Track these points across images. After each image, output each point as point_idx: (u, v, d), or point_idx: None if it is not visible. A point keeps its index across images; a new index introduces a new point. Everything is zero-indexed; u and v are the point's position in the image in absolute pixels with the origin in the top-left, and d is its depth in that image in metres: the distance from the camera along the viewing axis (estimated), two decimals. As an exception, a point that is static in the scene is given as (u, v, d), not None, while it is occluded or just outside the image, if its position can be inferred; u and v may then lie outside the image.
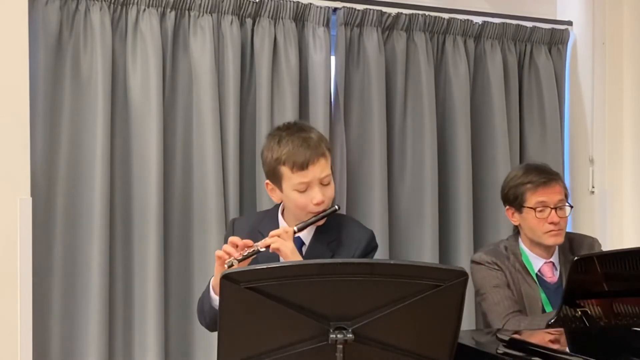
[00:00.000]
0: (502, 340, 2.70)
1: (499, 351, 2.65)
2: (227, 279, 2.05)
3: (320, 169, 2.68)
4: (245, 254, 2.58)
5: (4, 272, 3.19)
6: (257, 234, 2.73)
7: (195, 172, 3.57)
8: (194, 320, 3.56)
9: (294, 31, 3.72)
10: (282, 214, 2.83)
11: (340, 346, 2.09)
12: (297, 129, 2.77)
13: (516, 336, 2.77)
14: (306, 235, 2.77)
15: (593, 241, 3.35)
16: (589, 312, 2.90)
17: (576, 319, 2.89)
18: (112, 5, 3.45)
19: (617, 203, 4.33)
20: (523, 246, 3.26)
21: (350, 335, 2.09)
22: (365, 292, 2.11)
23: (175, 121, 3.59)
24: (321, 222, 2.75)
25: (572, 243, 3.32)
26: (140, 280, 3.46)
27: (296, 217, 2.73)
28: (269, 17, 3.67)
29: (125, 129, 3.50)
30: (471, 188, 4.04)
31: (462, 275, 2.14)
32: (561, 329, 2.89)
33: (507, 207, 3.25)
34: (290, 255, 2.61)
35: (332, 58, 3.81)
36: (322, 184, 2.70)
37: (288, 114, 3.66)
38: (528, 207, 3.17)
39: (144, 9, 3.49)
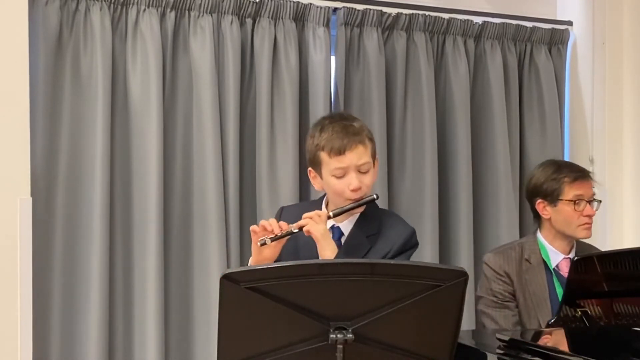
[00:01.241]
0: (502, 340, 2.70)
1: (499, 351, 2.65)
2: (227, 279, 2.05)
3: (357, 155, 2.70)
4: (280, 234, 2.60)
5: (4, 272, 3.19)
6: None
7: (195, 172, 3.57)
8: (194, 320, 3.57)
9: (294, 31, 3.72)
10: (327, 204, 2.84)
11: (340, 346, 2.09)
12: (339, 118, 2.82)
13: (516, 336, 2.77)
14: (346, 226, 2.78)
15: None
16: (589, 312, 2.90)
17: (576, 319, 2.89)
18: (112, 5, 3.45)
19: (617, 203, 4.33)
20: (543, 241, 3.31)
21: (350, 335, 2.10)
22: (365, 292, 2.11)
23: (175, 121, 3.59)
24: (359, 211, 2.76)
25: (584, 245, 3.41)
26: (140, 280, 3.46)
27: (336, 205, 2.75)
28: (269, 17, 3.67)
29: (125, 129, 3.50)
30: (471, 188, 4.04)
31: (462, 275, 2.14)
32: (561, 329, 2.89)
33: (539, 200, 3.30)
34: (320, 238, 2.64)
35: (332, 58, 3.81)
36: (360, 171, 2.71)
37: (288, 114, 3.67)
38: (566, 200, 3.25)
39: (144, 9, 3.48)
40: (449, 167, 4.05)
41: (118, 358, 3.48)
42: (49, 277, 3.37)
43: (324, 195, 2.88)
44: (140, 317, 3.46)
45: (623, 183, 4.36)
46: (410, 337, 2.18)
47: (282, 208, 3.00)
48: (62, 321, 3.39)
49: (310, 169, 2.82)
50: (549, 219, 3.29)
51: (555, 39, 4.29)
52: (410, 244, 2.78)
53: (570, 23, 4.37)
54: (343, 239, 2.78)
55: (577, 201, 3.24)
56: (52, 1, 3.35)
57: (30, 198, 3.26)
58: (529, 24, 4.23)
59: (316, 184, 2.82)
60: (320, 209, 2.81)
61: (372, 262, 2.41)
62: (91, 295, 3.37)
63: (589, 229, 3.27)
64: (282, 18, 3.70)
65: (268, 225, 2.64)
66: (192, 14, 3.57)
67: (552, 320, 2.94)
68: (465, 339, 2.79)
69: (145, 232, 3.46)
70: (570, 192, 3.25)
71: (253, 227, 2.65)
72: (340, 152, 2.69)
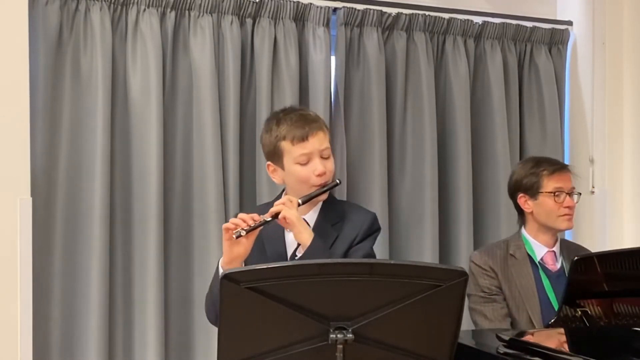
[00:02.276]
0: (502, 340, 2.70)
1: (499, 351, 2.65)
2: (227, 279, 2.05)
3: (319, 141, 2.74)
4: (254, 225, 2.60)
5: (4, 272, 3.19)
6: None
7: (195, 171, 3.57)
8: (194, 319, 3.57)
9: (294, 31, 3.72)
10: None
11: (340, 346, 2.09)
12: (292, 109, 2.87)
13: (516, 336, 2.77)
14: (311, 217, 2.79)
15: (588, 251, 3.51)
16: (589, 312, 2.90)
17: (576, 319, 2.90)
18: (112, 5, 3.45)
19: (617, 203, 4.33)
20: (527, 235, 3.37)
21: (350, 335, 2.09)
22: (365, 292, 2.11)
23: (175, 121, 3.59)
24: (323, 198, 2.78)
25: (569, 243, 3.52)
26: (141, 279, 3.46)
27: (299, 195, 2.74)
28: (269, 17, 3.68)
29: (125, 129, 3.50)
30: (471, 188, 4.04)
31: (462, 275, 2.14)
32: (561, 329, 2.89)
33: (521, 195, 3.37)
34: (296, 222, 2.64)
35: (332, 58, 3.81)
36: (322, 156, 2.75)
37: (288, 114, 3.66)
38: (546, 192, 3.32)
39: (144, 9, 3.49)
40: (449, 167, 4.05)
41: (118, 358, 3.48)
42: (49, 277, 3.37)
43: (281, 192, 2.87)
44: (140, 317, 3.46)
45: (623, 183, 4.36)
46: (410, 337, 2.18)
47: (237, 214, 3.00)
48: (62, 321, 3.39)
49: (268, 162, 2.82)
50: (531, 213, 3.36)
51: (555, 39, 4.29)
52: (374, 228, 2.82)
53: (570, 23, 4.37)
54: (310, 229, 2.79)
55: (557, 193, 3.31)
56: (52, 1, 3.35)
57: (30, 198, 3.26)
58: (529, 24, 4.23)
59: (276, 177, 2.82)
60: None
61: (372, 262, 2.42)
62: (91, 295, 3.37)
63: (570, 220, 3.34)
64: (282, 18, 3.70)
65: (240, 220, 2.62)
66: (192, 14, 3.57)
67: (552, 320, 2.94)
68: (465, 339, 2.79)
69: (145, 232, 3.46)
70: (549, 184, 3.33)
71: (225, 225, 2.63)
72: (303, 138, 2.72)
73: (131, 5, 3.48)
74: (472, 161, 4.06)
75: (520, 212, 3.41)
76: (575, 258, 2.93)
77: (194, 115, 3.58)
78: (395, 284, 2.11)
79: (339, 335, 2.09)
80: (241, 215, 2.65)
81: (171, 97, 3.58)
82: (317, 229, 2.75)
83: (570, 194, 3.34)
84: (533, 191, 3.34)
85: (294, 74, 3.71)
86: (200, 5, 3.56)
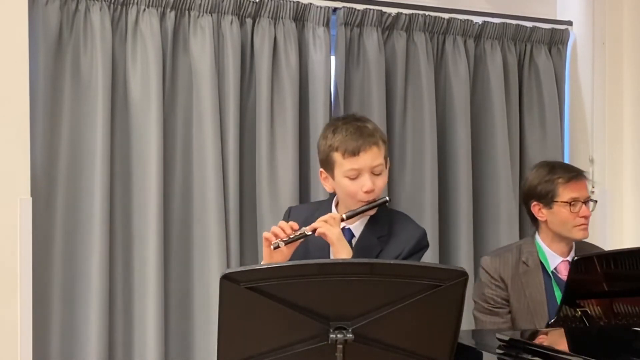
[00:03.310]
0: (502, 340, 2.70)
1: (499, 351, 2.65)
2: (227, 279, 2.05)
3: (371, 157, 2.70)
4: (292, 236, 2.59)
5: (4, 272, 3.19)
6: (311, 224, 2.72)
7: (195, 171, 3.57)
8: (194, 320, 3.57)
9: (294, 31, 3.72)
10: (336, 205, 2.83)
11: (340, 346, 2.09)
12: (353, 119, 2.82)
13: (516, 336, 2.77)
14: (357, 228, 2.77)
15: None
16: (589, 312, 2.90)
17: (576, 319, 2.89)
18: (112, 5, 3.45)
19: (617, 203, 4.33)
20: (541, 243, 3.29)
21: (350, 335, 2.10)
22: (365, 292, 2.11)
23: (175, 121, 3.59)
24: (371, 213, 2.75)
25: (585, 245, 3.39)
26: (140, 280, 3.46)
27: (347, 206, 2.74)
28: (269, 17, 3.67)
29: (125, 129, 3.50)
30: (471, 188, 4.04)
31: (462, 275, 2.14)
32: (561, 329, 2.89)
33: (534, 203, 3.27)
34: (335, 241, 2.63)
35: (332, 58, 3.81)
36: (374, 173, 2.71)
37: (288, 114, 3.67)
38: (561, 202, 3.22)
39: (144, 9, 3.49)
40: (449, 166, 4.04)
41: (118, 358, 3.48)
42: (49, 277, 3.36)
43: (334, 195, 2.87)
44: (140, 316, 3.46)
45: (623, 183, 4.36)
46: (410, 337, 2.18)
47: (290, 208, 3.00)
48: (62, 321, 3.39)
49: (321, 169, 2.81)
50: (545, 221, 3.27)
51: (555, 39, 4.29)
52: (421, 245, 2.78)
53: (570, 23, 4.37)
54: (354, 241, 2.77)
55: (572, 203, 3.21)
56: (52, 1, 3.35)
57: (30, 198, 3.26)
58: (529, 24, 4.23)
59: (327, 185, 2.81)
60: (330, 210, 2.81)
61: (372, 262, 2.41)
62: (91, 295, 3.37)
63: (586, 229, 3.24)
64: (282, 18, 3.70)
65: (280, 231, 2.62)
66: (192, 14, 3.57)
67: (552, 320, 2.94)
68: (465, 339, 2.79)
69: (145, 232, 3.46)
70: (565, 193, 3.22)
71: (265, 234, 2.64)
72: (354, 153, 2.68)
73: (131, 5, 3.48)
74: (472, 161, 4.06)
75: (534, 219, 3.32)
76: (575, 258, 2.92)
77: (194, 115, 3.58)
78: (395, 284, 2.11)
79: (339, 335, 2.09)
80: (281, 223, 2.65)
81: (171, 97, 3.57)
82: (362, 241, 2.73)
83: (585, 202, 3.23)
84: (547, 200, 3.23)
85: (294, 74, 3.71)
86: (200, 5, 3.56)
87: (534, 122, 4.25)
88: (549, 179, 3.25)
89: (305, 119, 3.74)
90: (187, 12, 3.57)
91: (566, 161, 4.34)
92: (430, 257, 3.89)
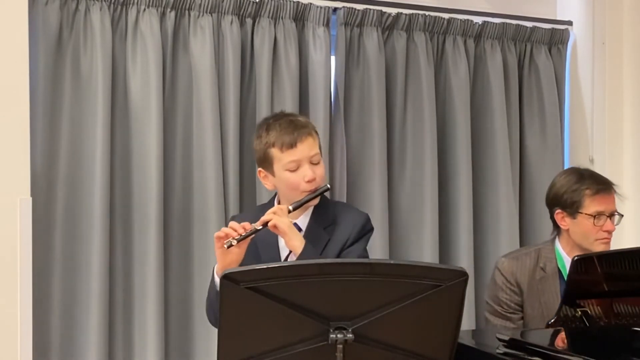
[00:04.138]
0: (502, 340, 2.70)
1: (498, 351, 2.65)
2: (227, 279, 2.05)
3: (308, 147, 2.76)
4: (245, 234, 2.62)
5: (4, 272, 3.19)
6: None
7: (195, 171, 3.57)
8: (194, 320, 3.57)
9: (294, 31, 3.72)
10: (279, 203, 2.87)
11: (340, 346, 2.09)
12: (283, 115, 2.90)
13: (516, 336, 2.77)
14: (303, 221, 2.81)
15: None
16: (589, 312, 2.90)
17: (576, 319, 2.89)
18: (112, 5, 3.45)
19: (617, 203, 4.32)
20: (561, 250, 3.26)
21: (350, 335, 2.10)
22: (365, 292, 2.11)
23: (175, 121, 3.59)
24: (315, 202, 2.80)
25: None
26: (141, 280, 3.46)
27: (290, 200, 2.78)
28: (269, 17, 3.67)
29: (125, 129, 3.49)
30: (471, 188, 4.04)
31: (462, 275, 2.14)
32: (561, 329, 2.89)
33: (558, 210, 3.23)
34: (287, 230, 2.67)
35: (332, 58, 3.81)
36: (312, 162, 2.77)
37: (288, 114, 3.67)
38: (586, 214, 3.16)
39: (144, 9, 3.48)
40: (449, 167, 4.04)
41: (118, 358, 3.47)
42: (49, 277, 3.36)
43: (274, 196, 2.91)
44: (140, 317, 3.46)
45: (623, 183, 4.34)
46: (410, 337, 2.18)
47: (233, 217, 3.04)
48: (62, 321, 3.39)
49: (260, 169, 2.85)
50: (567, 230, 3.23)
51: (555, 39, 4.29)
52: (366, 229, 2.83)
53: (570, 23, 4.37)
54: (302, 233, 2.80)
55: (597, 216, 3.16)
56: (52, 1, 3.35)
57: (30, 198, 3.25)
58: (529, 24, 4.23)
59: (267, 183, 2.86)
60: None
61: (372, 262, 2.42)
62: (91, 295, 3.37)
63: (608, 243, 3.19)
64: (282, 18, 3.70)
65: (230, 230, 2.65)
66: (192, 14, 3.57)
67: (552, 320, 2.94)
68: (465, 339, 2.79)
69: (145, 232, 3.46)
70: (591, 206, 3.17)
71: (217, 234, 2.67)
72: (291, 145, 2.74)
73: (131, 5, 3.48)
74: (472, 161, 4.05)
75: (556, 225, 3.27)
76: (575, 258, 2.92)
77: (194, 115, 3.58)
78: (395, 284, 2.11)
79: (339, 335, 2.09)
80: (232, 224, 2.69)
81: (171, 97, 3.57)
82: (309, 233, 2.76)
83: (610, 216, 3.19)
84: (572, 209, 3.18)
85: (294, 74, 3.71)
86: (200, 5, 3.56)
87: (534, 122, 4.25)
88: (576, 189, 3.19)
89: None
90: (187, 12, 3.57)
91: (566, 161, 4.34)
92: (430, 257, 3.90)
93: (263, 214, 2.78)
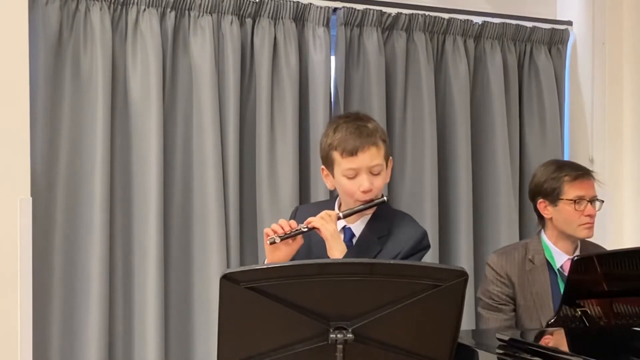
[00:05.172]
0: (502, 340, 2.70)
1: (499, 351, 2.65)
2: (227, 279, 2.05)
3: (370, 157, 2.71)
4: (289, 232, 2.62)
5: (4, 272, 3.19)
6: None
7: (195, 171, 3.57)
8: (194, 320, 3.57)
9: (294, 31, 3.72)
10: (339, 205, 2.85)
11: (340, 346, 2.09)
12: (354, 118, 2.83)
13: (516, 336, 2.77)
14: (358, 227, 2.79)
15: None
16: (589, 312, 2.90)
17: (576, 319, 2.89)
18: (112, 5, 3.45)
19: (617, 203, 4.33)
20: (547, 241, 3.30)
21: (350, 335, 2.10)
22: (365, 292, 2.11)
23: (175, 121, 3.59)
24: (370, 212, 2.77)
25: (588, 245, 3.38)
26: (140, 280, 3.46)
27: (347, 205, 2.76)
28: (269, 17, 3.67)
29: (125, 129, 3.50)
30: (471, 188, 4.04)
31: (462, 275, 2.14)
32: (561, 329, 2.89)
33: (540, 200, 3.29)
34: (329, 237, 2.65)
35: (332, 58, 3.81)
36: (372, 173, 2.72)
37: (288, 114, 3.67)
38: (566, 200, 3.23)
39: (144, 9, 3.48)
40: (448, 167, 4.04)
41: (118, 358, 3.48)
42: (49, 277, 3.36)
43: (338, 196, 2.89)
44: (140, 317, 3.46)
45: (623, 183, 4.36)
46: (410, 337, 2.18)
47: (297, 207, 3.04)
48: (62, 321, 3.39)
49: (322, 167, 2.83)
50: (551, 219, 3.28)
51: (555, 39, 4.29)
52: (421, 246, 2.78)
53: (570, 23, 4.37)
54: (354, 240, 2.78)
55: (577, 201, 3.22)
56: (52, 1, 3.35)
57: (30, 198, 3.25)
58: (529, 24, 4.23)
59: (328, 182, 2.84)
60: (333, 209, 2.82)
61: (372, 262, 2.42)
62: (91, 295, 3.37)
63: (591, 228, 3.24)
64: (282, 18, 3.70)
65: (278, 227, 2.65)
66: (192, 14, 3.57)
67: (552, 320, 2.94)
68: (465, 339, 2.79)
69: (145, 232, 3.46)
70: (570, 191, 3.23)
71: (265, 230, 2.67)
72: (352, 153, 2.70)
73: (131, 5, 3.48)
74: (472, 161, 4.06)
75: (540, 217, 3.33)
76: (575, 258, 2.92)
77: (194, 115, 3.58)
78: (395, 284, 2.11)
79: (339, 335, 2.09)
80: (281, 221, 2.68)
81: (171, 97, 3.57)
82: (361, 241, 2.74)
83: (591, 201, 3.23)
84: (553, 197, 3.24)
85: (294, 74, 3.71)
86: (200, 5, 3.56)
87: (534, 122, 4.25)
88: (556, 177, 3.26)
89: (305, 119, 3.74)
90: (187, 12, 3.57)
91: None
92: (430, 257, 3.88)
93: (323, 210, 2.76)
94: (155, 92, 3.47)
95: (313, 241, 2.74)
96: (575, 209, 3.22)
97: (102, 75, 3.40)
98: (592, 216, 3.23)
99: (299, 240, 2.66)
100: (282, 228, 2.64)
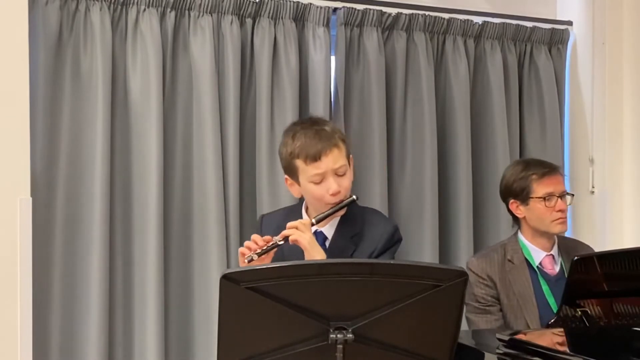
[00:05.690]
0: (502, 340, 2.70)
1: (499, 351, 2.65)
2: (227, 279, 2.05)
3: (333, 159, 2.72)
4: (265, 248, 2.61)
5: (4, 272, 3.19)
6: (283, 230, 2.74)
7: (195, 171, 3.57)
8: (194, 320, 3.57)
9: (294, 31, 3.72)
10: (307, 209, 2.86)
11: (340, 346, 2.09)
12: (311, 123, 2.84)
13: (516, 336, 2.77)
14: (329, 230, 2.79)
15: (589, 248, 3.47)
16: (589, 312, 2.90)
17: (576, 319, 2.89)
18: (112, 5, 3.45)
19: (617, 203, 4.33)
20: (524, 240, 3.34)
21: (350, 335, 2.10)
22: (365, 292, 2.11)
23: (175, 121, 3.59)
24: (340, 213, 2.77)
25: (567, 240, 3.46)
26: (140, 280, 3.46)
27: (316, 209, 2.76)
28: (269, 17, 3.67)
29: (125, 129, 3.50)
30: (471, 188, 4.04)
31: (462, 275, 2.14)
32: (561, 329, 2.89)
33: (512, 200, 3.33)
34: (308, 246, 2.65)
35: (332, 58, 3.81)
36: (337, 174, 2.73)
37: (288, 114, 3.66)
38: (536, 197, 3.27)
39: (144, 9, 3.48)
40: (448, 167, 4.05)
41: (118, 358, 3.48)
42: (49, 277, 3.36)
43: (303, 199, 2.89)
44: (140, 317, 3.46)
45: (623, 183, 4.36)
46: (410, 337, 2.18)
47: (263, 216, 3.04)
48: (62, 321, 3.39)
49: (286, 176, 2.83)
50: (524, 218, 3.32)
51: (555, 39, 4.29)
52: (394, 240, 2.80)
53: (570, 23, 4.37)
54: (327, 243, 2.79)
55: (547, 197, 3.26)
56: (52, 1, 3.35)
57: (30, 198, 3.25)
58: (529, 24, 4.23)
59: (294, 191, 2.84)
60: (301, 214, 2.83)
61: (372, 262, 2.42)
62: (91, 295, 3.37)
63: (564, 223, 3.29)
64: (282, 18, 3.70)
65: (252, 244, 2.64)
66: (192, 14, 3.57)
67: (552, 320, 2.94)
68: (465, 339, 2.79)
69: (145, 232, 3.46)
70: (539, 189, 3.27)
71: (240, 249, 2.67)
72: (316, 158, 2.71)
73: (131, 5, 3.48)
74: (472, 161, 4.06)
75: (514, 217, 3.38)
76: (575, 258, 2.93)
77: (194, 115, 3.58)
78: (395, 284, 2.11)
79: (339, 335, 2.09)
80: (254, 236, 2.68)
81: (171, 97, 3.57)
82: (335, 243, 2.75)
83: (561, 196, 3.28)
84: (523, 197, 3.30)
85: (294, 74, 3.71)
86: (200, 5, 3.56)
87: (534, 122, 4.25)
88: (523, 176, 3.31)
89: (305, 119, 3.74)
90: (187, 12, 3.57)
91: (566, 161, 4.35)
92: (430, 257, 3.90)
93: (290, 216, 2.77)
94: (155, 92, 3.47)
95: (286, 250, 2.75)
96: (546, 206, 3.26)
97: (102, 75, 3.40)
98: (563, 211, 3.28)
99: (270, 253, 2.66)
100: (257, 244, 2.64)
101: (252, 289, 2.05)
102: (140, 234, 3.47)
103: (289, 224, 2.69)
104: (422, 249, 3.92)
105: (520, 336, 2.82)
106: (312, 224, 2.69)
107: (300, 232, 2.65)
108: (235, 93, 3.61)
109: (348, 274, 2.10)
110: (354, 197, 2.75)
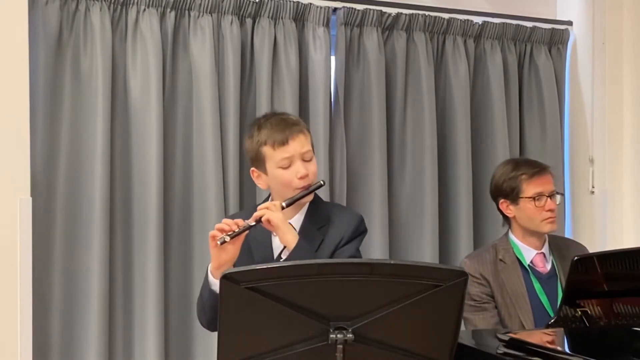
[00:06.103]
0: (502, 340, 2.70)
1: (499, 351, 2.65)
2: (227, 279, 2.05)
3: (300, 144, 2.75)
4: (237, 230, 2.61)
5: (4, 272, 3.19)
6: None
7: (195, 172, 3.58)
8: (194, 320, 3.55)
9: (294, 31, 3.72)
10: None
11: (340, 346, 2.09)
12: (274, 114, 2.90)
13: (516, 336, 2.77)
14: (297, 221, 2.80)
15: (580, 245, 3.49)
16: (589, 312, 2.90)
17: (576, 319, 2.89)
18: (112, 5, 3.46)
19: (617, 203, 4.33)
20: (515, 239, 3.36)
21: (350, 335, 2.09)
22: (365, 292, 2.11)
23: (175, 121, 3.59)
24: (309, 198, 2.79)
25: (557, 238, 3.47)
26: (140, 280, 3.46)
27: (284, 198, 2.76)
28: (269, 17, 3.68)
29: (125, 129, 3.50)
30: (471, 188, 4.04)
31: (462, 275, 2.14)
32: (561, 329, 2.89)
33: (502, 200, 3.36)
34: (280, 224, 2.66)
35: (332, 58, 3.81)
36: (304, 159, 2.76)
37: (288, 114, 3.67)
38: (526, 197, 3.29)
39: (144, 9, 3.49)
40: (449, 167, 4.05)
41: (118, 358, 3.48)
42: (49, 277, 3.37)
43: (267, 197, 2.89)
44: (140, 317, 3.46)
45: (623, 183, 4.36)
46: (410, 337, 2.18)
47: (231, 216, 3.01)
48: (62, 321, 3.39)
49: (252, 169, 2.84)
50: (514, 218, 3.34)
51: (555, 39, 4.30)
52: (360, 229, 2.82)
53: (570, 23, 4.37)
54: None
55: (537, 197, 3.28)
56: (52, 1, 3.35)
57: (30, 198, 3.26)
58: (529, 24, 4.24)
59: (261, 182, 2.84)
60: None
61: (372, 262, 2.42)
62: (91, 295, 3.37)
63: (553, 222, 3.31)
64: (282, 18, 3.70)
65: (225, 225, 2.64)
66: (192, 14, 3.57)
67: (552, 320, 2.94)
68: (465, 339, 2.79)
69: (145, 232, 3.46)
70: (529, 189, 3.29)
71: (211, 233, 2.65)
72: (283, 142, 2.73)
73: (131, 5, 3.48)
74: (472, 161, 4.06)
75: (505, 216, 3.39)
76: (575, 258, 2.92)
77: (194, 115, 3.59)
78: (395, 284, 2.11)
79: (339, 335, 2.09)
80: (225, 220, 2.68)
81: (171, 97, 3.58)
82: (303, 232, 2.75)
83: (551, 196, 3.30)
84: (513, 196, 3.31)
85: (294, 74, 3.71)
86: (200, 5, 3.56)
87: (534, 122, 4.26)
88: (513, 176, 3.32)
89: (306, 119, 3.74)
90: (187, 12, 3.57)
91: (566, 161, 4.35)
92: (430, 257, 3.90)
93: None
94: (155, 92, 3.47)
95: (253, 242, 2.75)
96: (536, 206, 3.28)
97: (102, 75, 3.40)
98: (553, 210, 3.30)
99: (241, 237, 2.65)
100: (230, 227, 2.63)
101: (252, 288, 2.05)
102: (140, 233, 3.47)
103: (260, 206, 2.70)
104: (422, 249, 3.93)
105: (521, 336, 2.82)
106: (282, 208, 2.71)
107: (271, 212, 2.66)
108: (235, 93, 3.62)
109: (348, 274, 2.10)
110: (322, 181, 2.79)
